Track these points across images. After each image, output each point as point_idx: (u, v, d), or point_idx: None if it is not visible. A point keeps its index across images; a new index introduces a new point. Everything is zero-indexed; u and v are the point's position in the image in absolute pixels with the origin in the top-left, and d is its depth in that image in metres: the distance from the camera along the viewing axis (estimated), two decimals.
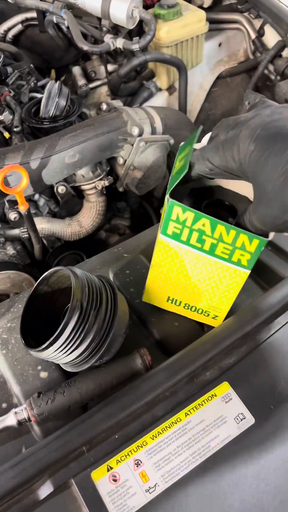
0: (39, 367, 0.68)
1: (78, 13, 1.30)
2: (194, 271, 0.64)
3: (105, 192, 1.14)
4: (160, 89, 1.42)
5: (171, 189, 0.57)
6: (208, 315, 0.70)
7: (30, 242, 1.14)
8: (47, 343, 0.58)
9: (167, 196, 0.57)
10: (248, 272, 0.61)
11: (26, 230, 1.06)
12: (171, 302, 0.71)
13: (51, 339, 0.58)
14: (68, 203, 1.14)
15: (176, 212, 0.57)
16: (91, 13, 1.25)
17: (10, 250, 1.10)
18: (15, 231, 1.07)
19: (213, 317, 0.71)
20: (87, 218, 1.15)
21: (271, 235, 0.56)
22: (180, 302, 0.70)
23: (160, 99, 1.41)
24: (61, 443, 0.55)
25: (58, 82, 1.07)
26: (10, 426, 0.60)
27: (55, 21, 1.28)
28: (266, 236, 0.56)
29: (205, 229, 0.57)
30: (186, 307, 0.71)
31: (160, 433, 0.59)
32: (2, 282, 1.06)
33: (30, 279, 1.09)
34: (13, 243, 1.12)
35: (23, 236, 1.06)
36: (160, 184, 1.22)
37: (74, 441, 0.55)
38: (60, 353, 0.59)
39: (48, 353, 0.59)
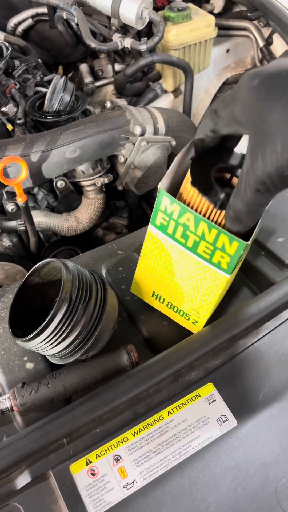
0: (25, 358, 0.68)
1: (88, 11, 1.31)
2: (177, 267, 0.64)
3: (104, 189, 1.15)
4: (165, 91, 1.43)
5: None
6: (189, 318, 0.69)
7: (26, 234, 1.14)
8: (34, 333, 0.58)
9: (159, 184, 0.57)
10: (228, 276, 0.59)
11: (23, 222, 1.06)
12: (156, 298, 0.71)
13: (38, 329, 0.58)
14: (67, 198, 1.14)
15: (164, 203, 0.57)
16: (101, 12, 1.25)
17: (6, 241, 1.10)
18: (12, 223, 1.08)
19: (193, 322, 0.70)
20: (85, 214, 1.15)
21: (251, 238, 0.55)
22: (164, 299, 0.70)
23: (165, 101, 1.42)
24: (41, 434, 0.55)
25: (63, 77, 1.08)
26: None
27: (65, 17, 1.29)
28: (247, 233, 0.54)
29: (189, 224, 0.57)
30: (169, 306, 0.70)
31: (142, 430, 0.59)
32: None
33: (24, 272, 1.09)
34: (9, 235, 1.12)
35: (19, 228, 1.06)
36: None
37: (55, 433, 0.55)
38: (46, 344, 0.59)
39: (34, 343, 0.59)
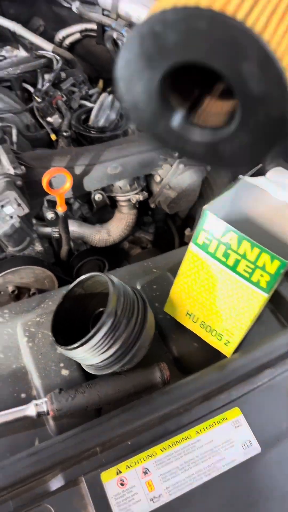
0: (62, 364, 0.71)
1: None
2: (215, 286, 0.67)
3: (137, 206, 1.18)
4: None
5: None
6: (221, 338, 0.73)
7: (58, 242, 1.18)
8: (79, 343, 0.61)
9: (204, 206, 0.60)
10: (266, 295, 0.62)
11: (57, 230, 1.10)
12: (189, 317, 0.74)
13: (83, 340, 0.61)
14: (101, 211, 1.18)
15: (208, 222, 0.61)
16: None
17: (38, 246, 1.14)
18: (47, 229, 1.11)
19: (225, 343, 0.73)
20: (116, 228, 1.19)
21: None
22: (198, 318, 0.73)
23: None
24: (78, 441, 0.58)
25: (111, 95, 1.12)
26: (29, 416, 0.63)
27: (114, 37, 1.34)
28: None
29: (232, 243, 0.61)
30: (202, 326, 0.73)
31: (170, 446, 0.61)
32: (27, 276, 1.09)
33: (52, 278, 1.13)
34: (41, 240, 1.15)
35: (54, 235, 1.10)
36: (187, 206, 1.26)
37: (90, 441, 0.58)
38: (88, 354, 0.62)
39: (77, 353, 0.63)
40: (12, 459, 0.56)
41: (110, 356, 0.63)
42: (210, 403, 0.65)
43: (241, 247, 0.60)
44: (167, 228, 1.51)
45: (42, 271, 1.11)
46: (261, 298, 0.63)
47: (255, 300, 0.64)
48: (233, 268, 0.63)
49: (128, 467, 0.59)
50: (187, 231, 1.32)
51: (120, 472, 0.59)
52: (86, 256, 1.21)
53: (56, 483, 0.57)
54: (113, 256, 1.30)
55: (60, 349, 0.65)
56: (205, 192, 1.32)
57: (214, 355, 0.74)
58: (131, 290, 0.68)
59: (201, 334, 0.75)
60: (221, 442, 0.63)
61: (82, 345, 0.61)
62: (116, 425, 0.60)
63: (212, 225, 0.61)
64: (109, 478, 0.58)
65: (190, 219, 1.61)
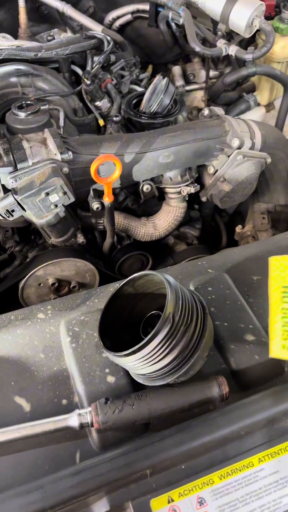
0: (107, 370, 0.64)
1: (194, 13, 1.27)
2: None
3: (187, 199, 1.10)
4: (258, 104, 1.37)
5: None
6: None
7: (101, 234, 1.12)
8: (130, 350, 0.54)
9: None
10: None
11: (102, 222, 1.03)
12: None
13: (135, 347, 0.54)
14: (148, 203, 1.10)
15: None
16: (208, 15, 1.21)
17: (80, 238, 1.07)
18: (91, 220, 1.05)
19: None
20: (164, 221, 1.11)
21: None
22: None
23: (256, 114, 1.36)
24: (126, 462, 0.51)
25: (166, 78, 1.04)
26: (71, 427, 0.57)
27: (170, 17, 1.25)
28: None
29: None
30: None
31: (230, 474, 0.54)
32: (68, 268, 1.04)
33: (94, 271, 1.07)
34: (83, 231, 1.09)
35: (98, 227, 1.04)
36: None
37: (139, 463, 0.51)
38: (140, 363, 0.55)
39: (128, 360, 0.56)
40: (52, 477, 0.50)
41: (165, 367, 0.56)
42: (276, 427, 0.57)
43: None
44: (214, 223, 1.42)
45: (84, 264, 1.05)
46: None
47: None
48: None
49: (181, 495, 0.52)
50: (238, 228, 1.23)
51: (172, 500, 0.52)
52: (129, 250, 1.14)
53: (100, 507, 0.51)
54: (157, 251, 1.22)
55: (108, 354, 0.58)
56: (259, 187, 1.22)
57: (278, 370, 0.66)
58: (189, 294, 0.61)
59: None
60: None
61: (134, 353, 0.54)
62: (169, 446, 0.53)
63: None
64: (159, 507, 0.51)
65: (238, 215, 1.51)
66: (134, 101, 1.10)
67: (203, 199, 1.12)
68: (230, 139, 1.00)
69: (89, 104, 1.13)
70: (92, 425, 0.56)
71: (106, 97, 1.13)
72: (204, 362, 0.60)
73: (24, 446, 0.57)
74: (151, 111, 1.04)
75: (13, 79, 1.10)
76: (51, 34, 1.33)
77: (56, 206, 0.86)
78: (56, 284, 1.04)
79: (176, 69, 1.42)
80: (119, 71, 1.23)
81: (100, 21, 1.47)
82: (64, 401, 0.63)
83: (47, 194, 0.83)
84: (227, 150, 1.01)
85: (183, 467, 0.53)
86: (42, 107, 0.93)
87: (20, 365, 0.65)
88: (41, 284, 1.04)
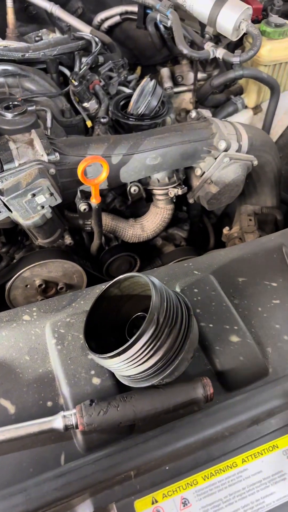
0: (93, 372, 0.64)
1: (182, 16, 1.27)
2: None
3: (174, 200, 1.11)
4: (246, 107, 1.38)
5: None
6: None
7: (89, 235, 1.12)
8: (115, 352, 0.54)
9: None
10: None
11: (89, 223, 1.03)
12: None
13: (120, 349, 0.54)
14: (136, 204, 1.10)
15: None
16: (196, 18, 1.22)
17: (68, 239, 1.07)
18: (78, 222, 1.05)
19: None
20: (151, 223, 1.11)
21: None
22: None
23: (243, 117, 1.37)
24: (111, 463, 0.51)
25: (153, 80, 1.04)
26: (56, 429, 0.57)
27: (158, 19, 1.26)
28: None
29: None
30: None
31: (213, 474, 0.54)
32: (55, 270, 1.03)
33: (82, 273, 1.07)
34: (71, 233, 1.09)
35: (86, 228, 1.03)
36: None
37: (124, 464, 0.52)
38: (125, 365, 0.56)
39: (112, 362, 0.56)
40: (36, 480, 0.50)
41: (149, 368, 0.56)
42: (260, 427, 0.57)
43: None
44: (202, 225, 1.43)
45: (72, 266, 1.05)
46: None
47: None
48: None
49: (165, 496, 0.52)
50: (225, 230, 1.24)
51: (156, 501, 0.52)
52: (117, 251, 1.14)
53: (84, 509, 0.51)
54: (144, 252, 1.23)
55: (93, 356, 0.58)
56: (247, 189, 1.23)
57: (262, 371, 0.66)
58: (174, 295, 0.61)
59: None
60: (271, 473, 0.55)
61: (118, 354, 0.54)
62: (154, 447, 0.53)
63: None
64: (143, 508, 0.51)
65: (225, 217, 1.52)
66: (122, 103, 1.10)
67: (191, 200, 1.12)
68: (217, 141, 1.01)
69: (76, 105, 1.13)
70: (77, 427, 0.56)
71: (94, 99, 1.13)
72: (189, 363, 0.60)
73: (9, 448, 0.57)
74: (139, 112, 1.04)
75: (0, 80, 1.09)
76: (39, 34, 1.33)
77: (42, 207, 0.86)
78: (43, 286, 1.04)
79: (165, 71, 1.42)
80: (107, 73, 1.23)
81: (89, 22, 1.47)
82: (49, 403, 0.63)
83: (34, 195, 0.83)
84: (214, 153, 1.02)
85: (167, 468, 0.54)
86: (29, 108, 0.92)
87: (5, 367, 0.65)
88: (28, 286, 1.03)
